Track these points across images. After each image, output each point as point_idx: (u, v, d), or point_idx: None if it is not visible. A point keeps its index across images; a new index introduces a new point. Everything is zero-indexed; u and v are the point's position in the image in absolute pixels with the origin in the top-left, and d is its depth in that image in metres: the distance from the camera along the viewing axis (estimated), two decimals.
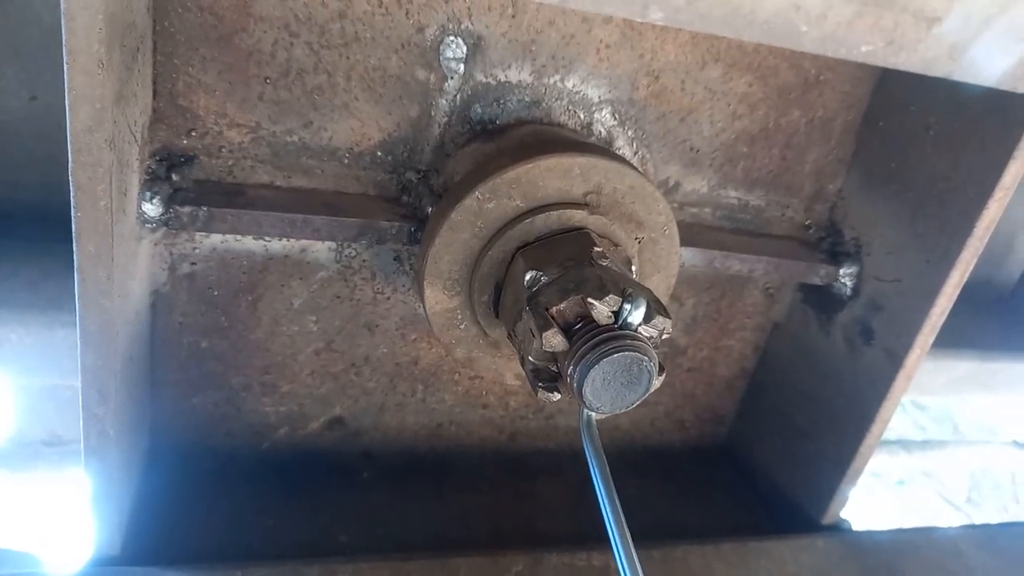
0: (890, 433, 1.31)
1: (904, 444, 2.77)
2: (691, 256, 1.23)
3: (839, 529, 1.32)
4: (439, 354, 1.34)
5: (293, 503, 1.27)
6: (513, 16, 1.08)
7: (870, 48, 0.48)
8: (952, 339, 2.11)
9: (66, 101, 0.73)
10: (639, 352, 0.85)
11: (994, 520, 1.49)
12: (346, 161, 1.13)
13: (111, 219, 0.80)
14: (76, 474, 1.76)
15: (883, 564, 1.24)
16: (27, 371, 1.58)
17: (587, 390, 0.86)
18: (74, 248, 0.80)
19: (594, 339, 0.86)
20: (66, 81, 0.72)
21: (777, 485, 1.44)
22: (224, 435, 1.31)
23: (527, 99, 1.15)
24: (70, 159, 0.76)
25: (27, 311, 1.50)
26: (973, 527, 1.39)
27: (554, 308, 0.89)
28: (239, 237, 1.14)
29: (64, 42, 0.71)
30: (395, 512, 1.30)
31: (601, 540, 1.19)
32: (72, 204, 0.78)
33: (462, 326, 1.09)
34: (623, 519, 0.81)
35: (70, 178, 0.77)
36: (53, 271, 1.57)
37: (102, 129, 0.75)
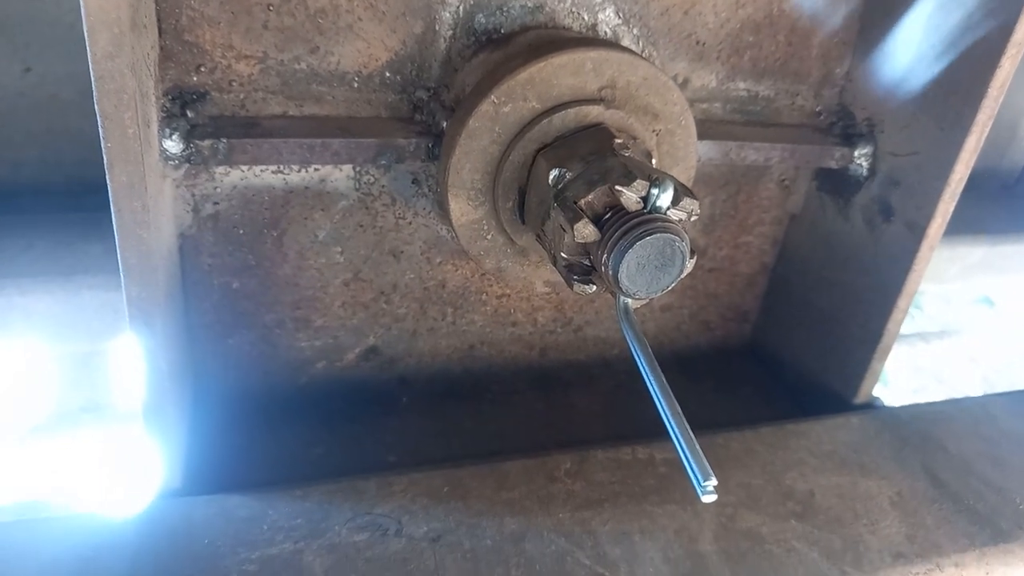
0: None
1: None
2: (706, 150, 1.23)
3: (872, 407, 1.35)
4: (465, 275, 1.35)
5: (338, 433, 1.30)
6: None
7: None
8: (963, 227, 2.13)
9: (84, 28, 0.73)
10: (671, 233, 0.86)
11: None
12: (356, 85, 1.13)
13: (140, 147, 0.81)
14: (116, 436, 1.79)
15: (917, 433, 1.26)
16: (59, 338, 1.60)
17: (623, 276, 0.87)
18: (107, 179, 0.81)
19: (625, 225, 0.87)
20: (82, 7, 0.72)
21: (807, 374, 1.47)
22: (263, 374, 1.33)
23: (530, 5, 1.15)
24: (94, 88, 0.76)
25: (51, 279, 1.51)
26: (1004, 394, 1.41)
27: (582, 200, 0.90)
28: (258, 172, 1.14)
29: None
30: (437, 433, 1.33)
31: (642, 436, 1.23)
32: (101, 134, 0.78)
33: (489, 236, 1.10)
34: (673, 397, 0.83)
35: (96, 107, 0.77)
36: (68, 241, 1.58)
37: (122, 54, 0.75)
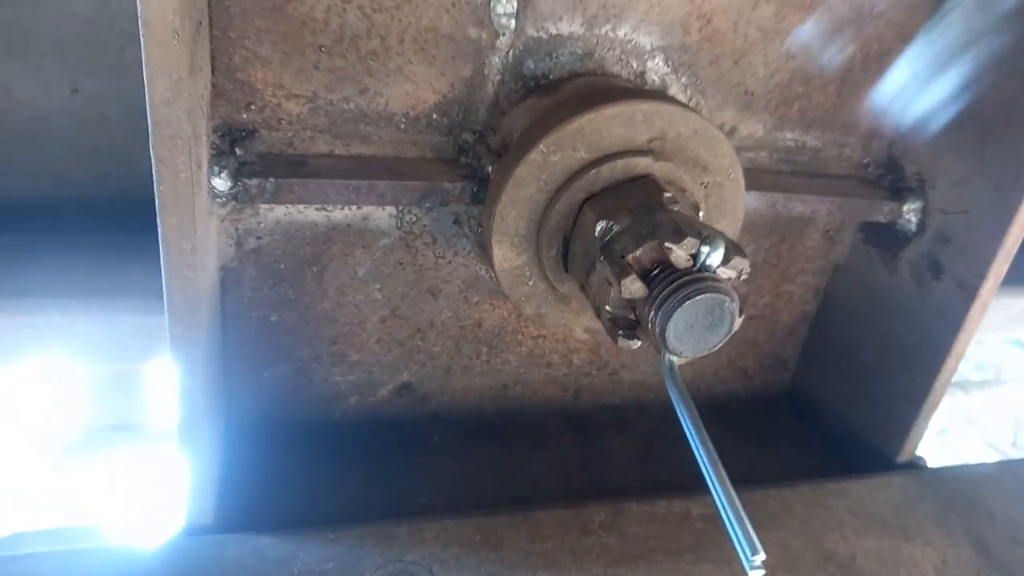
0: None
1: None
2: (753, 200, 1.22)
3: (915, 466, 1.31)
4: (502, 315, 1.34)
5: (369, 471, 1.29)
6: None
7: None
8: (1009, 276, 2.09)
9: (144, 74, 0.74)
10: (721, 293, 0.85)
11: None
12: (403, 126, 1.13)
13: (192, 190, 0.81)
14: (148, 456, 1.80)
15: (963, 497, 1.23)
16: (95, 358, 1.61)
17: (670, 334, 0.86)
18: (158, 221, 0.82)
19: (674, 283, 0.85)
20: (143, 53, 0.73)
21: (847, 427, 1.43)
22: (296, 406, 1.33)
23: (579, 51, 1.14)
24: (150, 132, 0.77)
25: (91, 299, 1.53)
26: None
27: (630, 255, 0.89)
28: (302, 209, 1.15)
29: (139, 14, 0.71)
30: (469, 474, 1.32)
31: (677, 488, 1.21)
32: (155, 178, 0.79)
33: (531, 282, 1.09)
34: (718, 460, 0.81)
35: (151, 151, 0.78)
36: (109, 263, 1.59)
37: (180, 101, 0.76)
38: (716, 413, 1.54)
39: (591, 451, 1.41)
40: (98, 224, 1.67)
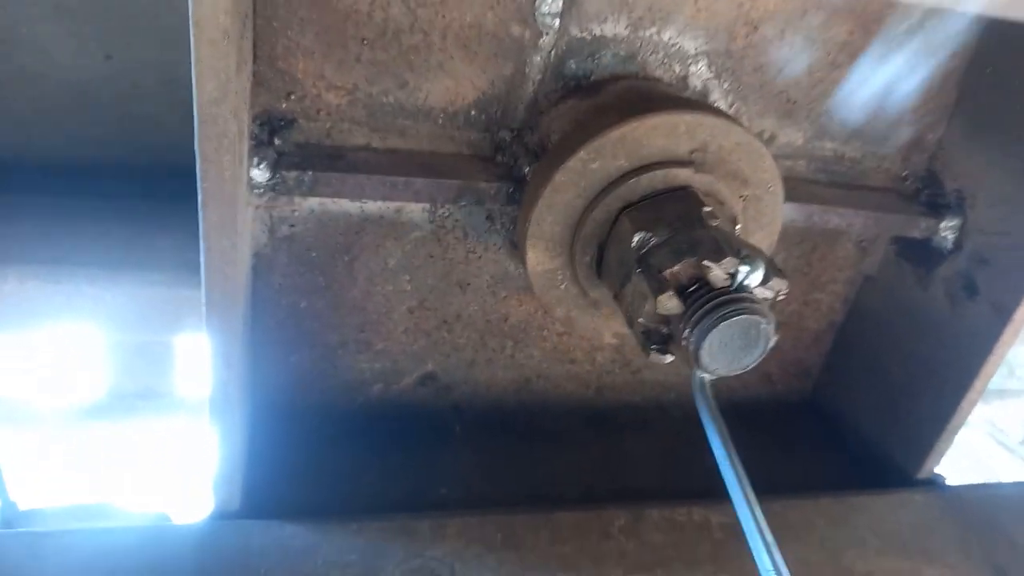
0: None
1: None
2: (789, 211, 1.20)
3: (935, 484, 1.31)
4: (528, 311, 1.34)
5: (391, 458, 1.30)
6: None
7: None
8: None
9: (193, 72, 0.74)
10: (758, 315, 0.85)
11: None
12: (440, 121, 1.12)
13: (234, 188, 0.81)
14: (170, 425, 1.83)
15: (983, 520, 1.23)
16: (121, 328, 1.63)
17: (704, 353, 0.86)
18: (200, 217, 0.82)
19: (712, 302, 0.85)
20: (193, 52, 0.73)
21: (868, 439, 1.43)
22: (320, 392, 1.34)
23: (622, 53, 1.13)
24: (196, 130, 0.77)
25: (120, 271, 1.54)
26: None
27: (668, 270, 0.89)
28: (337, 200, 1.15)
29: (191, 14, 0.71)
30: (489, 466, 1.32)
31: (695, 488, 1.21)
32: (199, 175, 0.79)
33: (563, 286, 1.09)
34: (747, 482, 0.81)
35: (196, 149, 0.78)
36: (142, 231, 1.61)
37: (227, 100, 0.76)
38: (737, 416, 1.53)
39: (611, 450, 1.41)
40: (131, 190, 1.68)
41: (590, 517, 1.11)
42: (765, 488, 1.36)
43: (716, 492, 0.96)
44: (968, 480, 1.38)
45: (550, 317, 1.35)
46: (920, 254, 1.32)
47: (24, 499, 1.30)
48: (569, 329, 1.36)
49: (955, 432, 1.27)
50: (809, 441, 1.50)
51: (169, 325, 1.64)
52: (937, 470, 1.34)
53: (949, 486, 1.31)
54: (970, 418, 1.26)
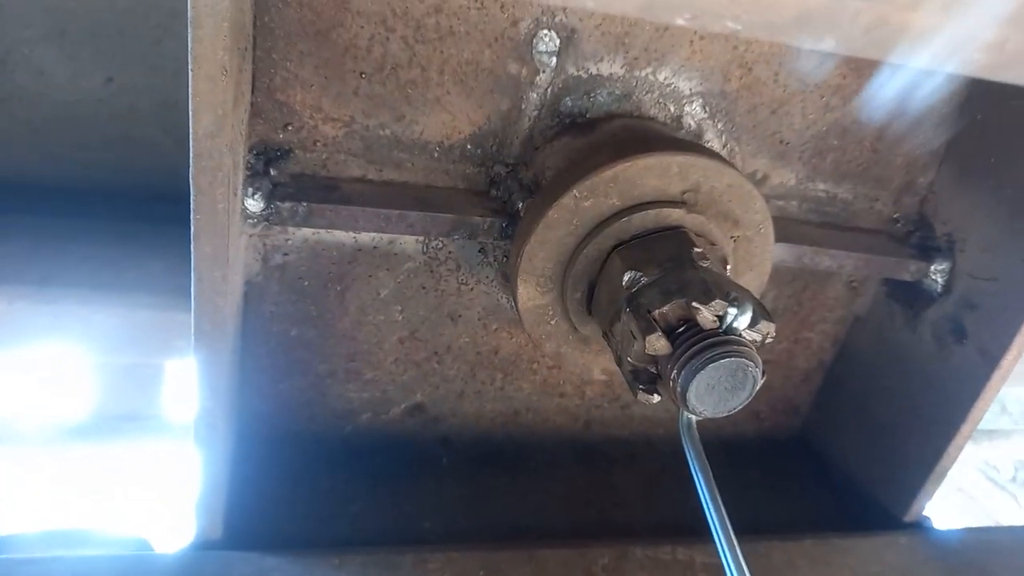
0: None
1: None
2: (780, 251, 1.21)
3: (921, 527, 1.31)
4: (519, 344, 1.34)
5: (377, 488, 1.29)
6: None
7: None
8: None
9: (189, 107, 0.74)
10: (745, 358, 0.85)
11: None
12: (436, 155, 1.13)
13: (228, 220, 0.81)
14: (155, 448, 1.81)
15: (968, 564, 1.22)
16: (110, 350, 1.63)
17: (691, 395, 0.86)
18: (192, 248, 0.82)
19: (699, 344, 0.85)
20: (190, 87, 0.73)
21: (855, 480, 1.43)
22: (308, 420, 1.33)
23: (618, 92, 1.14)
24: (191, 164, 0.77)
25: (111, 292, 1.54)
26: None
27: (657, 311, 0.89)
28: (331, 230, 1.15)
29: (190, 50, 0.72)
30: (475, 499, 1.32)
31: (682, 534, 1.21)
32: (192, 207, 0.79)
33: (553, 322, 1.09)
34: (729, 525, 0.81)
35: (191, 182, 0.78)
36: (133, 254, 1.61)
37: (223, 134, 0.76)
38: (726, 452, 1.55)
39: (598, 485, 1.41)
40: (124, 212, 1.68)
41: (574, 555, 1.10)
42: (751, 526, 1.36)
43: (702, 529, 0.95)
44: (959, 516, 1.38)
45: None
46: (910, 296, 1.33)
47: (2, 524, 1.29)
48: (558, 364, 1.36)
49: (943, 475, 1.27)
50: (797, 480, 1.50)
51: (159, 348, 1.63)
52: (928, 508, 1.33)
53: (936, 529, 1.31)
54: (962, 455, 1.26)
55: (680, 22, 0.45)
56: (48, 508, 1.71)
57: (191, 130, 0.75)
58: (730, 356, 0.84)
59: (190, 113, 0.75)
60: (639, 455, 1.49)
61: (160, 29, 1.50)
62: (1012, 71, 0.48)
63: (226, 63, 0.73)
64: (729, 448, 1.54)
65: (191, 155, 0.77)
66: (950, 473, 1.27)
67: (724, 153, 1.22)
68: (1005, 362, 1.15)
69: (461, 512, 1.28)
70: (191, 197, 0.80)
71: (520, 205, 1.10)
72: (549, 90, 1.12)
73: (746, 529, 1.33)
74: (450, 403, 1.39)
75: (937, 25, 0.48)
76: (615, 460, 1.47)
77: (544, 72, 1.10)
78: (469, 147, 1.14)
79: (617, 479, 1.43)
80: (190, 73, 0.73)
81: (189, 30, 0.71)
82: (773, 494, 1.47)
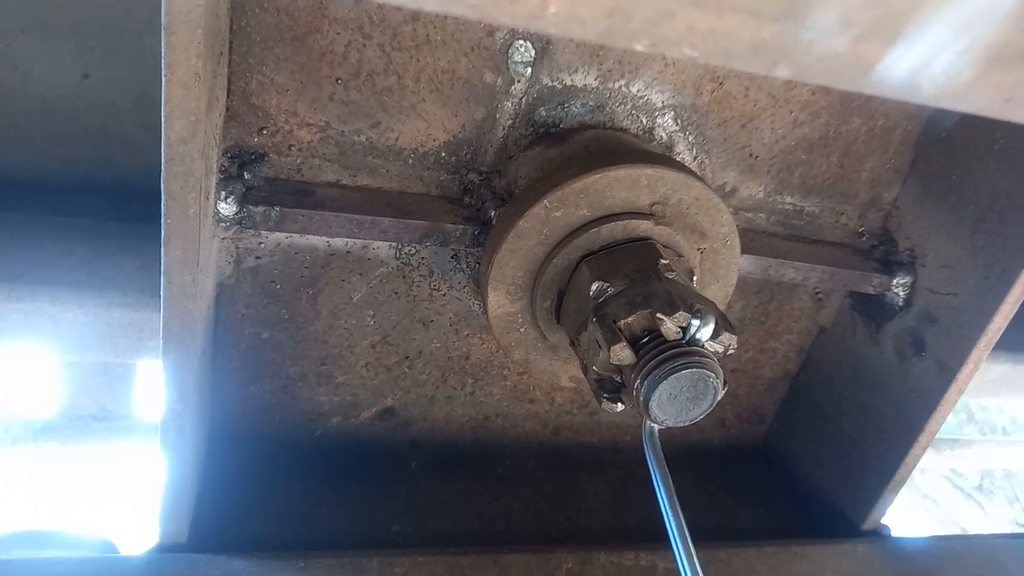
0: None
1: None
2: (746, 263, 1.24)
3: (879, 535, 1.34)
4: (490, 350, 1.36)
5: (345, 491, 1.30)
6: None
7: (986, 103, 0.49)
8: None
9: (162, 113, 0.75)
10: (706, 369, 0.87)
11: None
12: (411, 161, 1.14)
13: (199, 225, 0.82)
14: (125, 448, 1.80)
15: (924, 571, 1.25)
16: (82, 349, 1.61)
17: (653, 404, 0.87)
18: (162, 253, 0.83)
19: (662, 354, 0.87)
20: (163, 93, 0.74)
21: (816, 488, 1.46)
22: (278, 423, 1.34)
23: (591, 103, 1.16)
24: (163, 169, 0.78)
25: (83, 290, 1.53)
26: (1015, 536, 1.40)
27: (622, 321, 0.91)
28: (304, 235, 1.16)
29: (163, 56, 0.72)
30: (443, 503, 1.33)
31: (646, 540, 1.23)
32: (163, 212, 0.80)
33: (522, 329, 1.11)
34: (687, 532, 0.83)
35: (162, 187, 0.79)
36: (108, 251, 1.59)
37: (195, 140, 0.77)
38: (691, 458, 1.57)
39: (565, 490, 1.42)
40: (100, 209, 1.67)
41: (538, 560, 1.12)
42: (714, 532, 1.38)
43: (666, 535, 0.97)
44: (926, 523, 1.41)
45: None
46: (872, 309, 1.36)
47: None
48: (527, 372, 1.37)
49: (900, 484, 1.30)
50: (761, 487, 1.53)
51: (131, 348, 1.62)
52: (889, 516, 1.36)
53: (894, 537, 1.34)
54: (928, 463, 1.28)
55: (639, 48, 0.46)
56: (14, 508, 1.69)
57: (163, 135, 0.76)
58: (692, 367, 0.86)
59: (162, 119, 0.75)
60: (607, 461, 1.51)
61: (142, 24, 1.50)
62: (965, 102, 0.50)
63: (200, 69, 0.73)
64: (695, 455, 1.57)
65: (163, 160, 0.78)
66: (918, 481, 1.30)
67: (694, 166, 1.24)
68: (961, 376, 1.19)
69: (430, 516, 1.29)
70: (162, 201, 0.80)
71: (493, 213, 1.11)
72: (524, 100, 1.13)
73: (709, 535, 1.37)
74: (420, 408, 1.40)
75: (888, 56, 0.50)
76: (583, 466, 1.48)
77: (519, 82, 1.12)
78: (443, 155, 1.15)
79: (584, 485, 1.44)
80: (163, 79, 0.74)
81: (163, 36, 0.71)
82: (737, 501, 1.50)
